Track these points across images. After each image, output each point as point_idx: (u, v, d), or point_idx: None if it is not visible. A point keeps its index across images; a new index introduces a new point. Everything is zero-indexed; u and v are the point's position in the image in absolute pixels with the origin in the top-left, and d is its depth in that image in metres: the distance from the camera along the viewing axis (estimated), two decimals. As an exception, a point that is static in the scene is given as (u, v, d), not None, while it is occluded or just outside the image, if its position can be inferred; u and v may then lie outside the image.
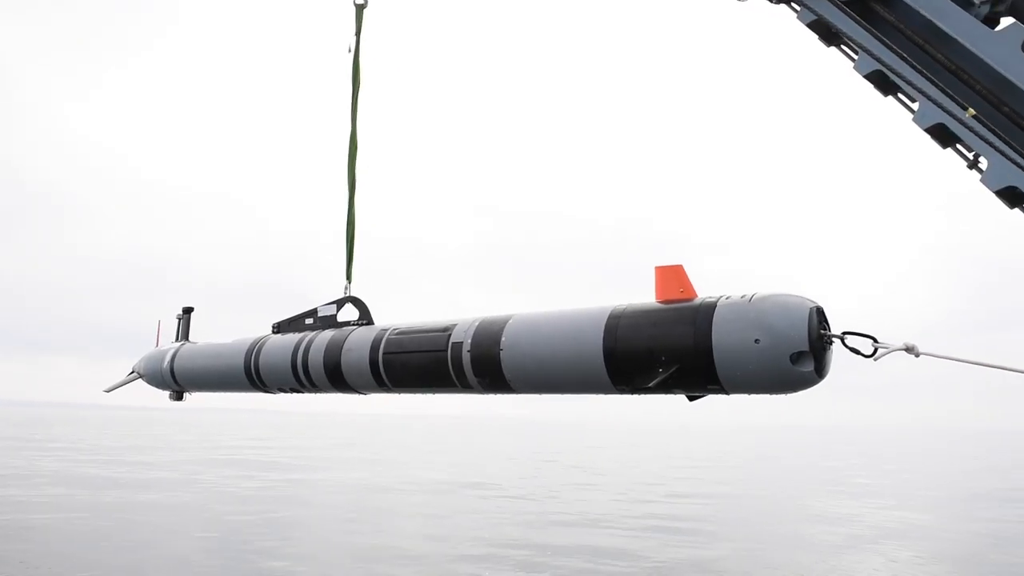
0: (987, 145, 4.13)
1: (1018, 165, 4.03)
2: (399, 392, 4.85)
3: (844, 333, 2.96)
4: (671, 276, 3.42)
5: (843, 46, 5.08)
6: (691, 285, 3.37)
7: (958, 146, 4.60)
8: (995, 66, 4.25)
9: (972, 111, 4.16)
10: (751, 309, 3.03)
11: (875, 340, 2.88)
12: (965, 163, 4.65)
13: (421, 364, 4.46)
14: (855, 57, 4.94)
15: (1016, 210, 4.36)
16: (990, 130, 4.16)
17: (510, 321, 4.04)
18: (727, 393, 3.27)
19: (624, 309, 3.56)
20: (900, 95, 4.81)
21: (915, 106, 4.68)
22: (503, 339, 3.97)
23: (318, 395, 5.54)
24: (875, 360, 2.89)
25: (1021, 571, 15.70)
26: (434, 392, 4.66)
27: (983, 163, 4.39)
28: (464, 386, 4.27)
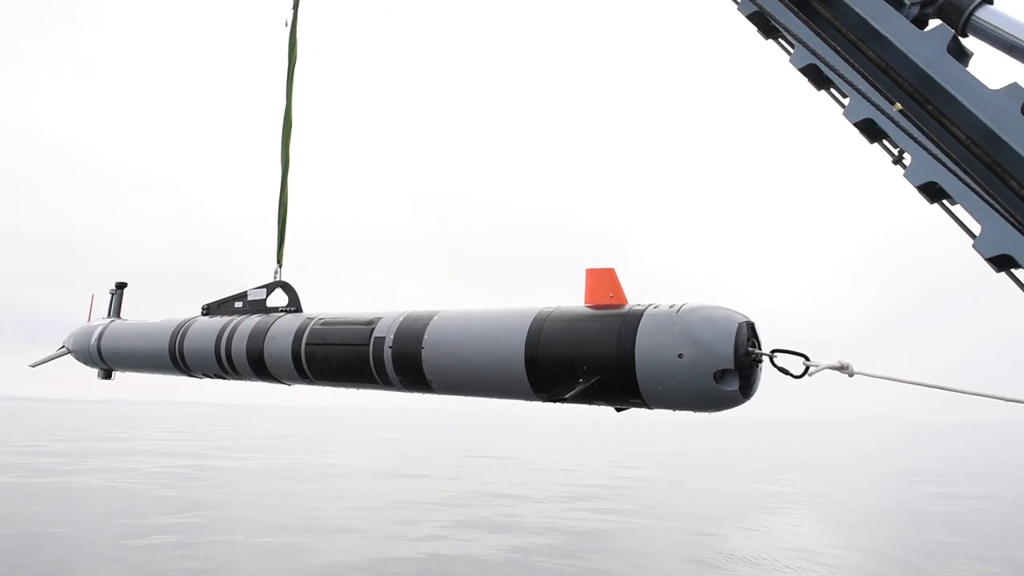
0: (911, 141, 4.29)
1: (939, 161, 4.21)
2: (321, 384, 4.68)
3: (774, 351, 2.82)
4: (602, 280, 3.28)
5: (780, 39, 5.21)
6: (622, 291, 3.22)
7: (884, 142, 4.77)
8: (922, 65, 4.41)
9: (899, 106, 4.32)
10: (677, 321, 2.90)
11: (806, 359, 2.75)
12: (891, 158, 4.83)
13: (343, 358, 4.30)
14: (791, 50, 5.07)
15: (935, 205, 4.56)
16: (915, 126, 4.33)
17: (434, 319, 3.89)
18: (649, 408, 3.12)
19: (550, 313, 3.40)
20: (832, 90, 4.96)
21: (846, 101, 4.83)
22: (425, 337, 3.82)
23: (243, 382, 5.34)
24: (808, 376, 2.76)
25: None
26: (356, 387, 4.49)
27: (907, 159, 4.56)
28: (385, 383, 4.12)
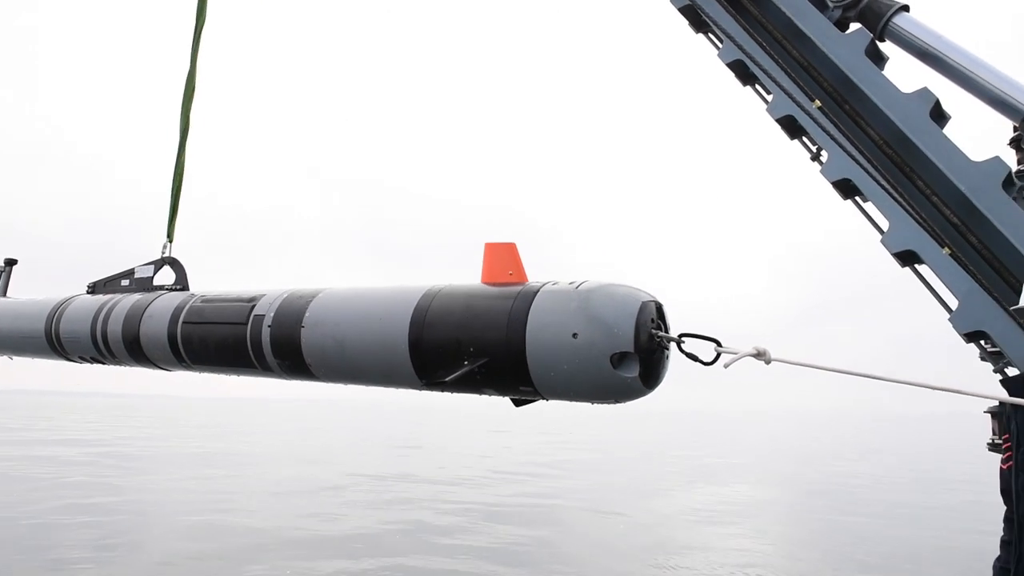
0: (828, 138, 4.45)
1: (853, 159, 4.38)
2: (199, 370, 4.24)
3: (682, 335, 2.52)
4: (501, 256, 2.97)
5: (711, 34, 5.32)
6: (522, 268, 2.94)
7: (804, 139, 4.93)
8: (841, 66, 4.58)
9: (819, 103, 4.47)
10: (574, 298, 2.61)
11: (718, 344, 2.44)
12: (809, 155, 5.01)
13: (219, 339, 3.86)
14: (720, 45, 5.18)
15: (848, 201, 4.75)
16: (833, 124, 4.49)
17: (318, 296, 3.52)
18: (544, 397, 2.81)
19: (440, 290, 3.10)
20: (757, 86, 5.10)
21: (770, 98, 4.97)
22: (307, 315, 3.43)
23: (124, 367, 4.79)
24: (725, 367, 2.47)
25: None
26: (235, 373, 4.07)
27: (824, 156, 4.73)
28: (264, 368, 3.72)
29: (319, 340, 3.37)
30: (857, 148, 4.46)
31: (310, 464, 29.39)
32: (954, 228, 4.18)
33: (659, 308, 2.62)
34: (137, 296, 4.59)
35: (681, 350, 2.51)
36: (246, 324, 3.66)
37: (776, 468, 34.33)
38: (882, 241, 4.43)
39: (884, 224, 4.53)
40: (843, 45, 4.63)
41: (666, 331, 2.58)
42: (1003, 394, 2.54)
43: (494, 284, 2.95)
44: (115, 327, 4.46)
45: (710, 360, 2.45)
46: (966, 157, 4.25)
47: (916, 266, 4.50)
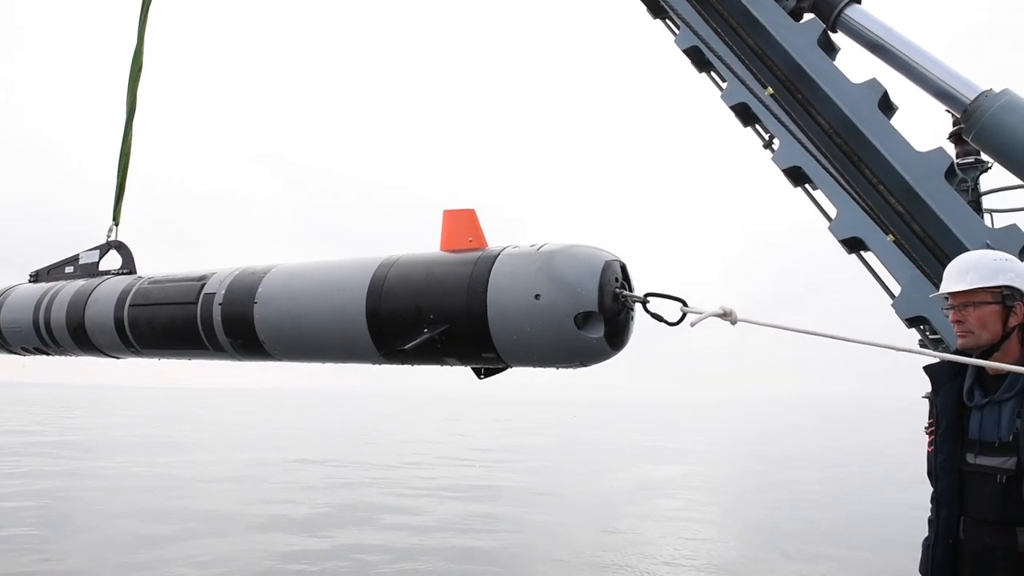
0: (780, 126, 4.52)
1: (804, 147, 4.45)
2: (148, 356, 4.09)
3: (647, 295, 2.47)
4: (460, 222, 2.90)
5: (668, 20, 5.35)
6: (482, 234, 2.87)
7: (757, 126, 5.00)
8: (794, 55, 4.65)
9: (771, 90, 4.53)
10: (536, 259, 2.56)
11: (684, 304, 2.39)
12: (762, 143, 5.08)
13: (168, 320, 3.71)
14: (677, 32, 5.22)
15: (799, 188, 4.84)
16: (785, 112, 4.56)
17: (271, 271, 3.42)
18: (507, 364, 2.76)
19: (398, 259, 3.03)
20: (713, 73, 5.15)
21: (724, 85, 5.03)
22: (259, 292, 3.32)
23: (70, 357, 4.63)
24: (692, 326, 2.41)
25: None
26: (186, 356, 3.94)
27: (776, 143, 4.81)
28: (216, 349, 3.60)
29: (273, 316, 3.26)
30: (808, 136, 4.54)
31: (263, 450, 29.10)
32: (899, 216, 4.29)
33: (623, 268, 2.57)
34: (81, 282, 4.42)
35: (646, 310, 2.47)
36: (196, 303, 3.53)
37: (723, 452, 35.17)
38: (830, 228, 4.53)
39: (832, 212, 4.64)
40: (796, 34, 4.70)
41: (631, 291, 2.54)
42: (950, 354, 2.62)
43: (454, 251, 2.88)
44: (59, 314, 4.29)
45: (675, 320, 2.40)
46: (911, 147, 4.36)
47: (862, 253, 4.62)
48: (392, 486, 19.98)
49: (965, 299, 2.82)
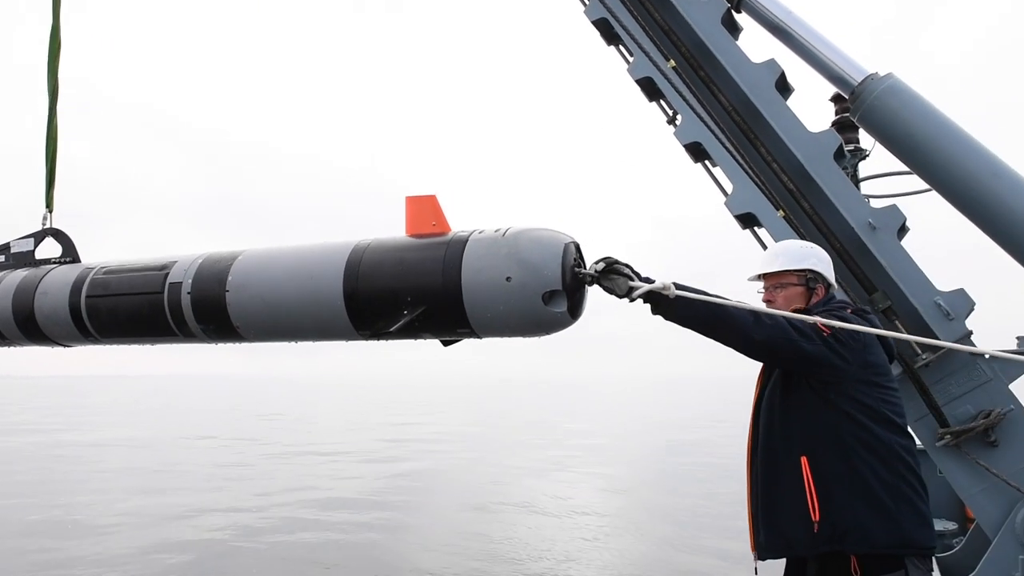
0: (683, 102, 4.60)
1: (705, 123, 4.54)
2: (108, 343, 4.18)
3: (602, 271, 2.81)
4: (423, 208, 3.13)
5: (579, -8, 5.33)
6: (444, 218, 3.12)
7: (662, 101, 5.07)
8: (698, 32, 4.70)
9: (673, 63, 4.59)
10: (504, 244, 2.84)
11: (631, 279, 2.77)
12: (666, 118, 5.15)
13: (133, 309, 3.81)
14: (587, 3, 5.21)
15: (699, 164, 4.94)
16: (688, 88, 4.63)
17: (239, 259, 3.56)
18: (478, 336, 3.05)
19: (368, 244, 3.23)
20: (621, 46, 5.17)
21: (632, 59, 5.06)
22: (229, 279, 3.47)
23: (13, 348, 4.54)
24: (631, 301, 2.79)
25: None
26: (152, 342, 4.06)
27: (679, 119, 4.88)
28: (186, 335, 3.74)
29: (247, 302, 3.42)
30: (708, 113, 4.63)
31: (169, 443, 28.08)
32: (790, 194, 4.44)
33: (577, 247, 2.89)
34: (23, 272, 4.37)
35: (600, 284, 2.82)
36: (162, 292, 3.65)
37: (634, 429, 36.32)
38: (726, 203, 4.65)
39: (730, 188, 4.77)
40: (701, 12, 4.75)
41: (584, 267, 2.86)
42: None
43: (419, 236, 3.13)
44: (3, 305, 4.23)
45: (624, 292, 2.77)
46: (804, 128, 4.51)
47: (755, 229, 4.77)
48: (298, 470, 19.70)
49: (775, 281, 3.21)
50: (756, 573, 3.14)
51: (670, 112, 5.08)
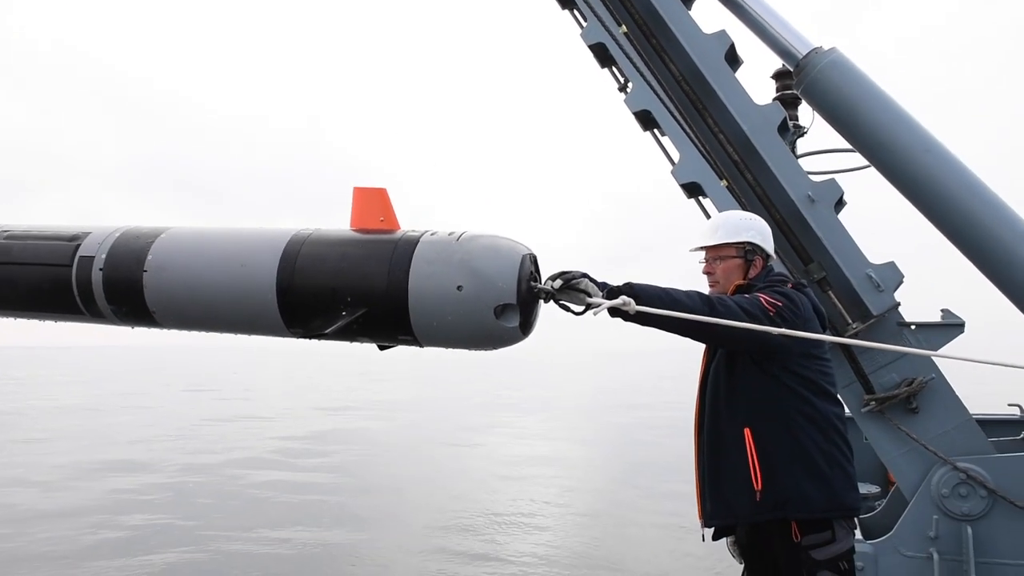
0: (634, 69, 4.61)
1: (655, 92, 4.57)
2: (3, 315, 3.82)
3: (559, 289, 2.68)
4: (371, 201, 2.92)
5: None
6: (394, 214, 2.91)
7: (614, 68, 5.07)
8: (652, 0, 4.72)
9: (625, 29, 4.59)
10: (457, 250, 2.65)
11: (588, 295, 2.66)
12: (617, 86, 5.16)
13: (35, 281, 3.45)
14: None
15: (648, 133, 4.98)
16: (640, 56, 4.64)
17: (161, 236, 3.22)
18: (420, 345, 2.84)
19: (309, 235, 2.97)
20: (576, 11, 5.14)
21: (586, 24, 5.04)
22: (149, 259, 3.14)
23: None
24: (595, 315, 2.67)
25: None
26: (55, 319, 3.73)
27: (631, 87, 4.90)
28: (94, 314, 3.41)
29: (166, 286, 3.09)
30: (659, 82, 4.66)
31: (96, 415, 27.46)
32: (734, 165, 4.50)
33: (534, 259, 2.75)
34: None
35: (556, 301, 2.70)
36: (70, 266, 3.28)
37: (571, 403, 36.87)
38: (672, 172, 4.71)
39: (677, 158, 4.82)
40: (655, -22, 4.76)
41: (539, 280, 2.73)
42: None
43: (365, 231, 2.90)
44: None
45: (580, 310, 2.67)
46: (751, 100, 4.58)
47: (700, 199, 4.84)
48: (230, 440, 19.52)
49: (715, 253, 3.24)
50: (704, 540, 3.24)
51: (621, 79, 5.09)
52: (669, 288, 2.79)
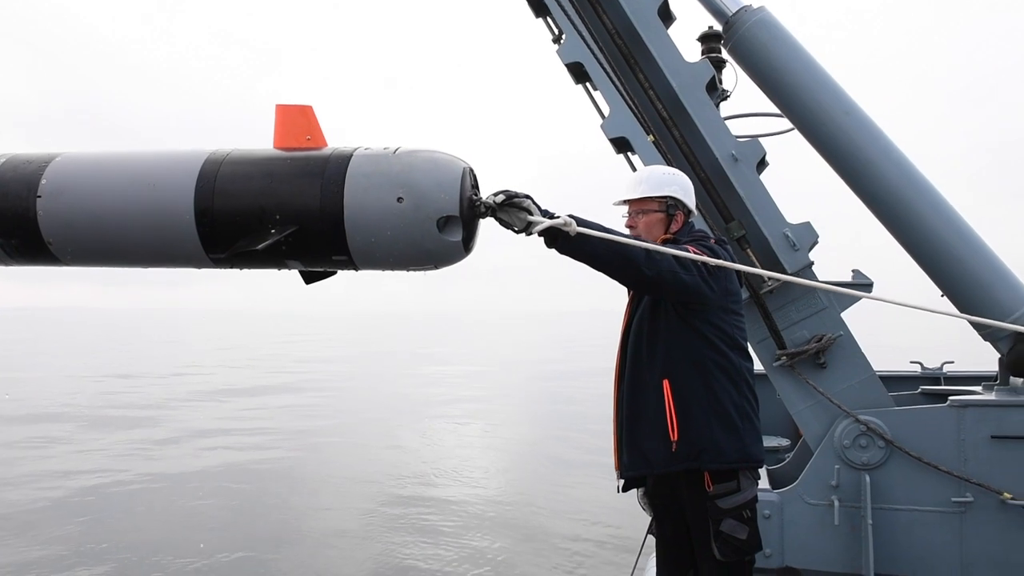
0: (567, 20, 4.55)
1: (587, 44, 4.53)
2: None
3: (502, 203, 2.61)
4: (296, 118, 2.75)
5: None
6: (321, 132, 2.77)
7: (548, 19, 5.00)
8: (583, -50, 4.64)
9: (559, -24, 4.52)
10: (395, 162, 2.54)
11: (530, 212, 2.59)
12: (552, 37, 5.10)
13: None
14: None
15: (579, 86, 4.95)
16: (574, 7, 4.58)
17: (56, 160, 2.91)
18: (356, 267, 2.69)
19: (228, 154, 2.76)
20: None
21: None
22: (43, 183, 2.83)
23: None
24: (527, 235, 2.61)
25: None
26: None
27: (564, 39, 4.84)
28: None
29: (65, 214, 2.80)
30: (592, 35, 4.62)
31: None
32: (663, 121, 4.52)
33: (474, 175, 2.66)
34: None
35: (497, 218, 2.61)
36: None
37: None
38: (602, 126, 4.70)
39: (607, 112, 4.81)
40: (588, -69, 4.68)
41: (479, 195, 2.64)
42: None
43: (291, 149, 2.72)
44: None
45: (521, 228, 2.60)
46: (681, 57, 4.59)
47: (629, 155, 4.86)
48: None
49: (638, 207, 3.27)
50: (620, 491, 3.31)
51: (556, 31, 5.03)
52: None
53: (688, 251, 2.88)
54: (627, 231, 3.28)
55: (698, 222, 3.73)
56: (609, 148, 4.87)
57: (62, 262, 2.99)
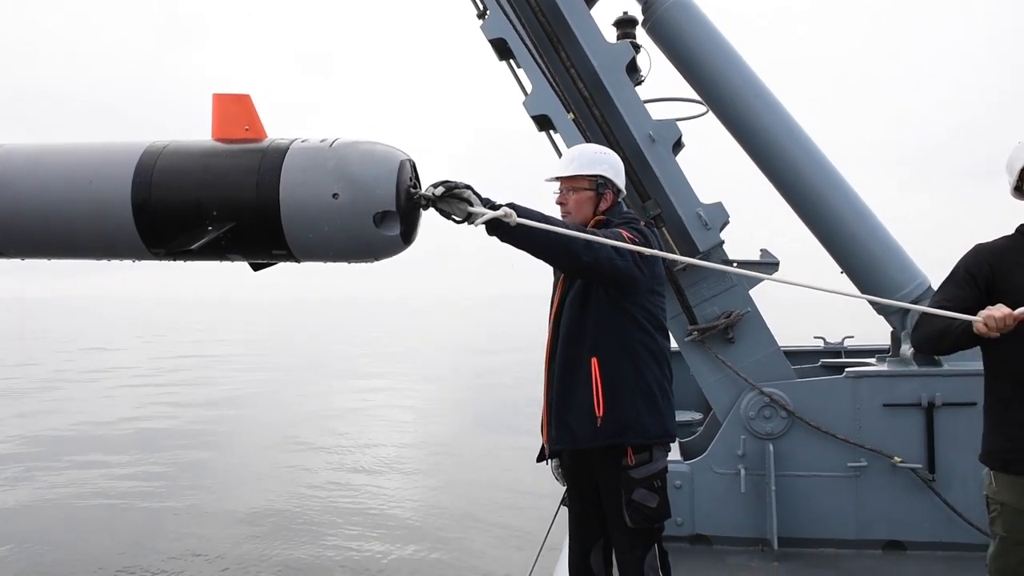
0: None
1: (511, 21, 4.54)
2: None
3: (442, 195, 2.60)
4: (233, 108, 2.73)
5: None
6: (260, 122, 2.75)
7: (475, -5, 4.98)
8: (512, -73, 4.64)
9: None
10: (331, 156, 2.55)
11: (471, 203, 2.58)
12: (476, 12, 5.08)
13: None
14: None
15: (504, 63, 4.97)
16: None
17: None
18: (297, 260, 2.73)
19: (165, 146, 2.77)
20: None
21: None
22: None
23: None
24: (472, 225, 2.60)
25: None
26: None
27: (488, 15, 4.84)
28: None
29: (3, 209, 2.80)
30: (516, 12, 4.63)
31: None
32: (583, 100, 4.59)
33: (413, 166, 2.65)
34: None
35: (437, 208, 2.60)
36: None
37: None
38: (524, 103, 4.74)
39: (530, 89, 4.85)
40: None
41: (419, 187, 2.64)
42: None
43: (229, 140, 2.72)
44: None
45: (462, 219, 2.59)
46: (603, 38, 4.66)
47: (551, 133, 4.91)
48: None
49: (569, 184, 3.30)
50: (548, 465, 3.42)
51: (481, 6, 5.02)
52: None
53: (622, 235, 2.96)
54: (559, 209, 3.33)
55: (621, 202, 3.82)
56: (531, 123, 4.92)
57: (5, 255, 3.00)
